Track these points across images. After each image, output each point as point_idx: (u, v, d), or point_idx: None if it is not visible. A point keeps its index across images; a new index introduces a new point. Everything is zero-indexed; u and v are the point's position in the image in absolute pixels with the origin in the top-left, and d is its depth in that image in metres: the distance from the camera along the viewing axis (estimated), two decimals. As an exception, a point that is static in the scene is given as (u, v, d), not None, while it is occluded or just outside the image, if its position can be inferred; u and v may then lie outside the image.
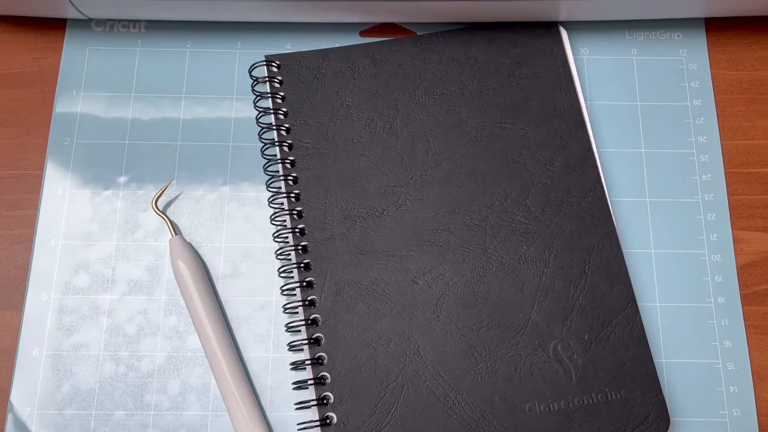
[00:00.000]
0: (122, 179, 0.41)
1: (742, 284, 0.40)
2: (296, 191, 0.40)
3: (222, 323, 0.38)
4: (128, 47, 0.44)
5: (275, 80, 0.42)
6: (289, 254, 0.39)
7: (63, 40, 0.44)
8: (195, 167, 0.42)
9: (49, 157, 0.42)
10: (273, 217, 0.39)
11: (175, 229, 0.40)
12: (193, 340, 0.39)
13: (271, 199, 0.40)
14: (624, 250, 0.40)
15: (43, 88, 0.43)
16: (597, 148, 0.42)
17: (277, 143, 0.41)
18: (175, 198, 0.41)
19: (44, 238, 0.40)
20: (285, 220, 0.39)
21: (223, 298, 0.39)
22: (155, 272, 0.40)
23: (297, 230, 0.39)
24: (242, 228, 0.41)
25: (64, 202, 0.41)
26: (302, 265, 0.38)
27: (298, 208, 0.39)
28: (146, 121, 0.42)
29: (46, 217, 0.40)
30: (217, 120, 0.43)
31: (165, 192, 0.41)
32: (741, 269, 0.40)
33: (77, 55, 0.44)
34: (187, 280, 0.38)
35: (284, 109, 0.41)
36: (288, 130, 0.41)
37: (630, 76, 0.44)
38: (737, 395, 0.38)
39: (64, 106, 0.43)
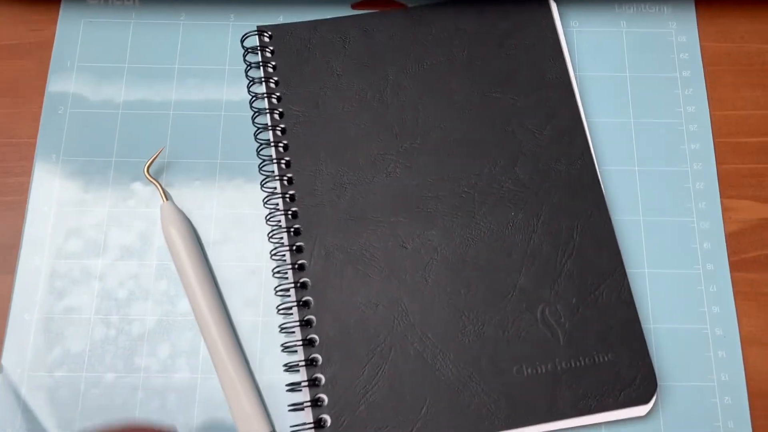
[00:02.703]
0: (115, 148, 0.42)
1: (731, 251, 0.40)
2: (287, 158, 0.40)
3: (212, 288, 0.38)
4: (122, 20, 0.44)
5: (267, 50, 0.42)
6: (279, 220, 0.39)
7: (59, 12, 0.44)
8: (187, 136, 0.42)
9: (43, 125, 0.42)
10: (264, 183, 0.40)
11: (167, 195, 0.40)
12: (184, 305, 0.39)
13: (261, 166, 0.40)
14: (613, 218, 0.40)
15: (39, 59, 0.44)
16: (586, 118, 0.42)
17: (267, 111, 0.41)
18: (167, 166, 0.41)
19: (37, 204, 0.40)
20: (275, 188, 0.40)
21: (213, 263, 0.40)
22: (146, 238, 0.40)
23: (287, 196, 0.39)
24: (233, 196, 0.41)
25: (57, 170, 0.41)
26: (292, 230, 0.39)
27: (289, 175, 0.40)
28: (139, 92, 0.43)
29: (39, 184, 0.41)
30: (209, 90, 0.43)
31: (157, 160, 0.41)
32: (729, 237, 0.40)
33: (72, 28, 0.44)
34: (177, 245, 0.38)
35: (275, 78, 0.42)
36: (279, 99, 0.41)
37: (619, 48, 0.44)
38: (725, 360, 0.38)
39: (58, 76, 0.43)
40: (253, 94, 0.41)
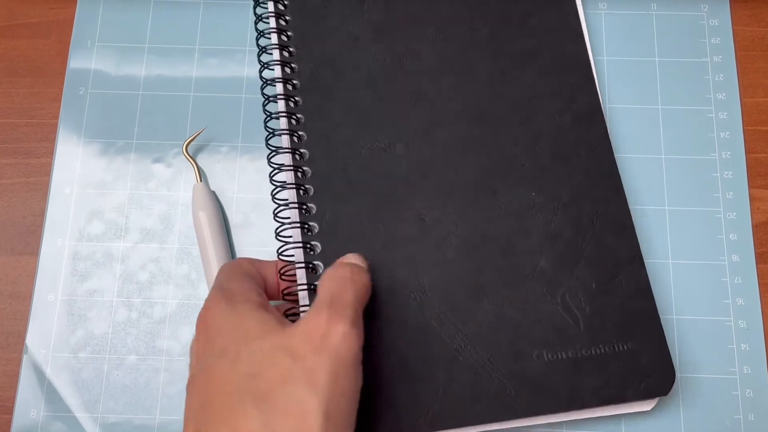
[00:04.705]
0: (135, 129, 0.42)
1: (757, 243, 0.39)
2: (298, 115, 0.38)
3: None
4: (142, -2, 0.44)
5: (280, 2, 0.40)
6: (286, 180, 0.36)
7: (78, -10, 0.44)
8: (208, 119, 0.42)
9: (64, 106, 0.42)
10: (268, 138, 0.36)
11: (201, 176, 0.40)
12: (204, 289, 0.39)
13: (267, 121, 0.37)
14: (638, 207, 0.40)
15: (59, 39, 0.43)
16: (613, 104, 0.41)
17: (279, 62, 0.38)
18: (188, 148, 0.41)
19: (59, 185, 0.41)
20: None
21: (235, 246, 0.40)
22: (168, 221, 0.40)
23: (297, 153, 0.37)
24: (254, 179, 0.41)
25: (79, 151, 0.41)
26: (301, 189, 0.36)
27: (300, 132, 0.38)
28: (159, 73, 0.42)
29: (61, 165, 0.41)
30: (230, 72, 0.42)
31: (177, 143, 0.41)
32: (756, 228, 0.40)
33: (92, 6, 0.44)
34: (204, 229, 0.38)
35: (289, 33, 0.39)
36: (291, 53, 0.39)
37: (649, 31, 0.43)
38: (748, 353, 0.38)
39: (78, 56, 0.43)
40: (261, 48, 0.39)
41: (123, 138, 0.41)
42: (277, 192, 0.36)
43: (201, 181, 0.40)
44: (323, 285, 0.31)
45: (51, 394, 0.37)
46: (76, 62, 0.43)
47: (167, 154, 0.41)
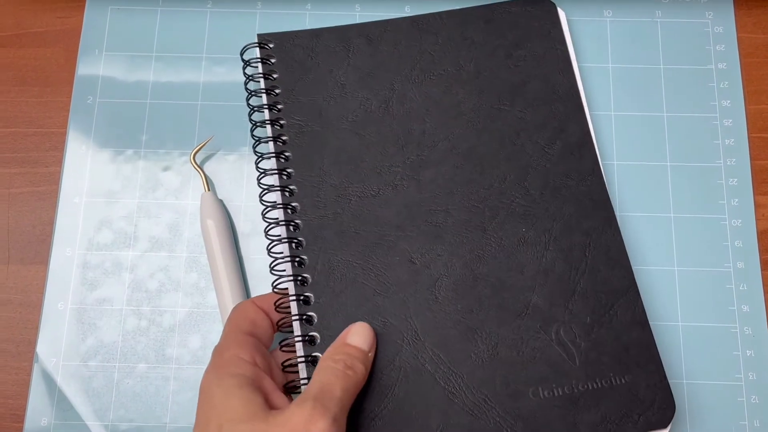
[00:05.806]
0: (144, 138, 0.42)
1: (762, 249, 0.40)
2: (289, 170, 0.38)
3: (240, 281, 0.39)
4: (149, 7, 0.44)
5: (268, 61, 0.41)
6: (279, 234, 0.37)
7: (85, -1, 0.44)
8: (216, 127, 0.42)
9: (72, 115, 0.42)
10: (262, 195, 0.38)
11: (209, 185, 0.40)
12: (213, 297, 0.39)
13: (260, 178, 0.38)
14: (643, 214, 0.40)
15: (66, 48, 0.43)
16: (617, 111, 0.41)
17: (268, 122, 0.39)
18: (195, 157, 0.41)
19: (68, 195, 0.41)
20: (275, 201, 0.38)
21: (243, 255, 0.40)
22: (176, 230, 0.40)
23: (289, 207, 0.38)
24: (262, 187, 0.41)
25: (87, 160, 0.41)
26: (294, 242, 0.37)
27: (291, 186, 0.38)
28: (167, 81, 0.43)
29: (70, 174, 0.41)
30: (237, 80, 0.43)
31: (185, 151, 0.41)
32: (762, 234, 0.40)
33: (99, 15, 0.44)
34: (212, 238, 0.39)
35: (277, 90, 0.40)
36: (280, 109, 0.40)
37: (653, 38, 0.43)
38: (754, 359, 0.38)
39: (86, 65, 0.43)
40: (252, 107, 0.40)
41: (131, 147, 0.42)
42: (273, 246, 0.37)
43: (209, 189, 0.40)
44: (316, 373, 0.32)
45: (61, 402, 0.38)
46: (84, 71, 0.43)
47: (175, 162, 0.41)
